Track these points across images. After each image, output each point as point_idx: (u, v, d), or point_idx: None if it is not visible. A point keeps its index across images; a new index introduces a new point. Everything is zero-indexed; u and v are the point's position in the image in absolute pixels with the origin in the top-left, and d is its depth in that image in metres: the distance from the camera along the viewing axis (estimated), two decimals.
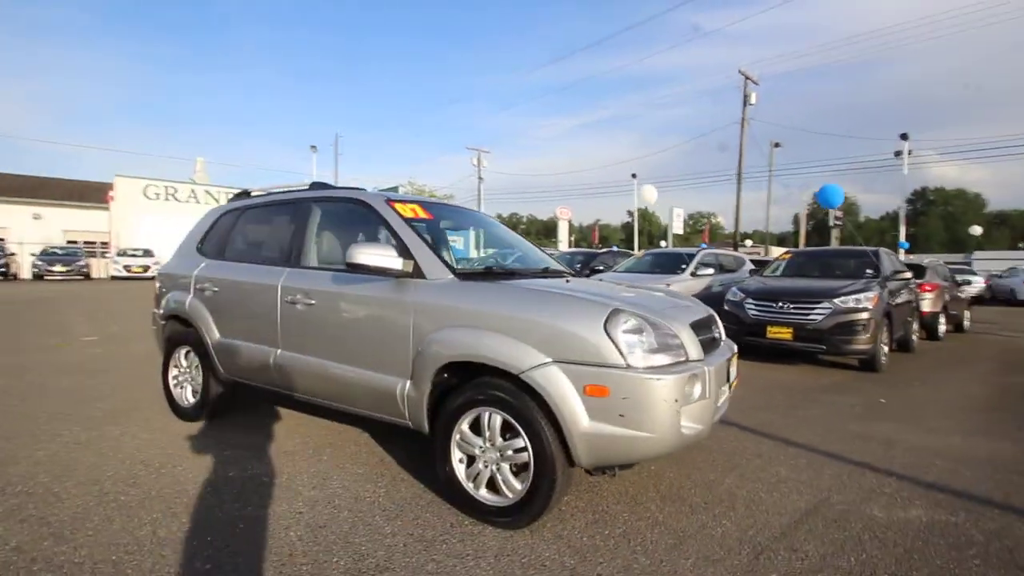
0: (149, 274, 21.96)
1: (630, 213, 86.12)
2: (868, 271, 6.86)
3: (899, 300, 6.91)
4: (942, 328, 9.16)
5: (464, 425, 2.44)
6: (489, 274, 2.84)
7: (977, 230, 37.02)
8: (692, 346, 2.33)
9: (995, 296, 18.92)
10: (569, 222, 44.15)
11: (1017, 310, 16.24)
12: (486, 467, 2.39)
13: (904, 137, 22.72)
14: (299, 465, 3.02)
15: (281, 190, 3.76)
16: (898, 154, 29.27)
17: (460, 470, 2.46)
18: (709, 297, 7.57)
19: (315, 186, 3.54)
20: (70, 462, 2.99)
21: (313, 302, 2.97)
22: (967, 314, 10.80)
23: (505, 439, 2.34)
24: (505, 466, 2.33)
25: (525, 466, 2.29)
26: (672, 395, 2.11)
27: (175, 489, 2.68)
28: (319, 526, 2.35)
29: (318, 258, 3.23)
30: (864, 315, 5.92)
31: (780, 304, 6.26)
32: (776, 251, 22.89)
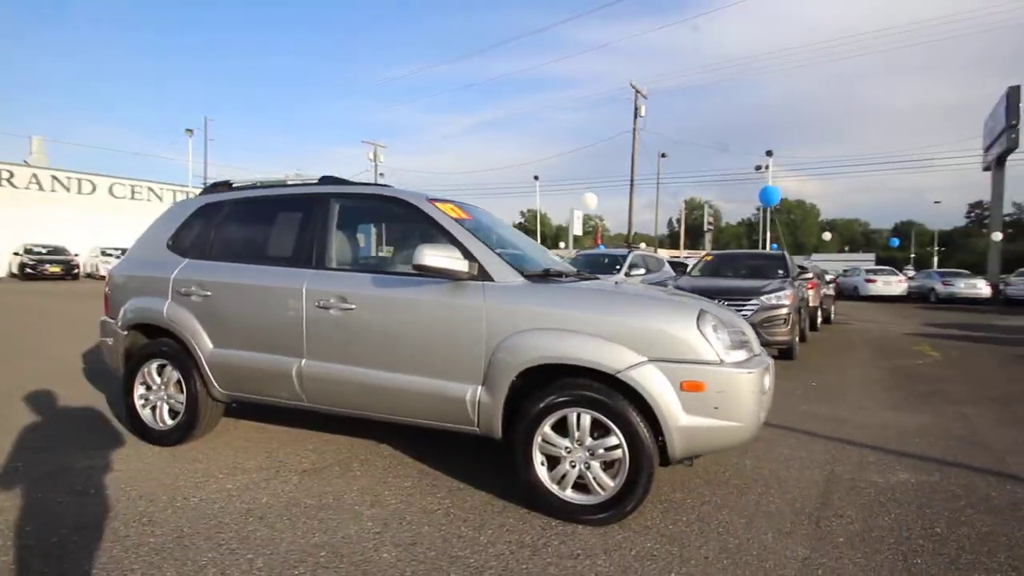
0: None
1: (523, 213, 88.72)
2: (779, 271, 7.86)
3: (801, 296, 8.02)
4: (819, 320, 10.76)
5: (547, 427, 2.45)
6: (548, 276, 2.85)
7: (827, 236, 43.38)
8: (755, 341, 2.57)
9: (841, 292, 22.56)
10: None
11: (861, 304, 19.45)
12: (573, 467, 2.42)
13: (769, 153, 26.07)
14: (335, 484, 2.79)
15: (276, 183, 3.42)
16: (758, 168, 33.51)
17: (543, 473, 2.46)
18: None
19: (326, 180, 3.26)
20: (59, 512, 2.47)
21: (353, 306, 2.76)
22: (833, 308, 12.78)
23: (595, 438, 2.39)
24: (595, 464, 2.39)
25: (614, 463, 2.37)
26: (758, 387, 2.32)
27: (212, 523, 2.35)
28: (409, 544, 2.21)
29: (347, 259, 3.00)
30: (784, 310, 6.79)
31: (716, 301, 6.92)
32: (662, 252, 25.09)
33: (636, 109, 30.44)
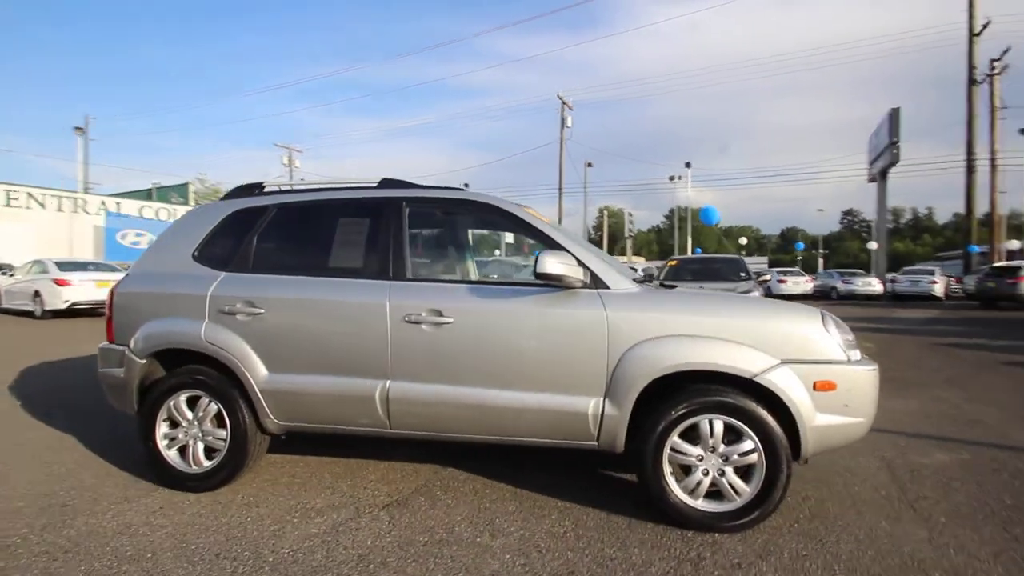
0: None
1: None
2: (741, 273, 8.42)
3: (764, 295, 8.65)
4: None
5: (676, 436, 2.40)
6: (648, 281, 2.80)
7: (743, 240, 46.78)
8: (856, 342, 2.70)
9: None
10: None
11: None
12: (706, 475, 2.39)
13: (688, 165, 27.91)
14: (434, 517, 2.54)
15: (323, 186, 3.09)
16: (672, 178, 35.76)
17: (674, 483, 2.41)
18: None
19: (386, 183, 3.00)
20: None
21: (450, 320, 2.54)
22: None
23: (727, 444, 2.37)
24: (729, 470, 2.37)
25: (749, 468, 2.37)
26: (878, 383, 2.43)
27: None
28: (568, 574, 2.06)
29: (431, 269, 2.76)
30: None
31: None
32: None
33: (563, 120, 31.40)
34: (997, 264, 17.40)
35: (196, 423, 2.82)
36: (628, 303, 2.47)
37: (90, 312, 13.05)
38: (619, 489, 2.89)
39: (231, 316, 2.77)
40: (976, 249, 21.05)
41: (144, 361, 2.85)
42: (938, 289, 19.56)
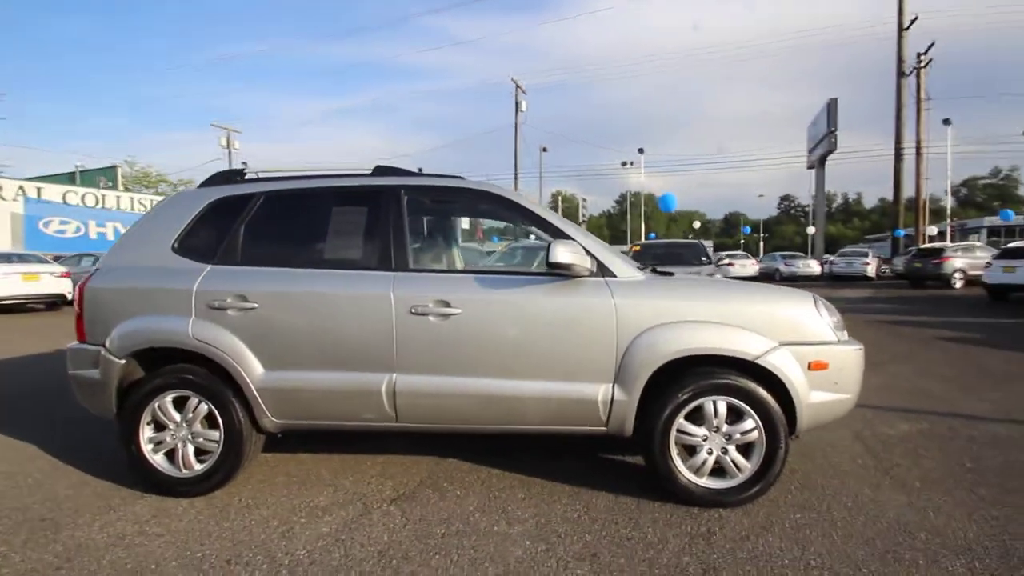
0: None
1: None
2: (703, 258, 8.72)
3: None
4: None
5: (681, 418, 2.49)
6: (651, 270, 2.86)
7: (697, 225, 48.09)
8: None
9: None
10: None
11: None
12: (711, 454, 2.49)
13: (641, 151, 28.46)
14: (446, 508, 2.54)
15: (311, 173, 2.96)
16: (624, 163, 36.37)
17: (679, 463, 2.50)
18: None
19: (381, 171, 2.91)
20: None
21: (459, 311, 2.52)
22: None
23: (729, 423, 2.48)
24: (732, 448, 2.49)
25: (749, 446, 2.49)
26: (863, 362, 2.60)
27: None
28: (592, 556, 2.11)
29: (432, 259, 2.71)
30: None
31: None
32: None
33: (517, 104, 31.27)
34: (924, 246, 18.85)
35: (185, 425, 2.67)
36: (635, 291, 2.52)
37: (18, 308, 12.08)
38: (621, 471, 2.97)
39: (221, 312, 2.63)
40: (902, 233, 22.70)
41: (123, 361, 2.66)
42: (871, 270, 21.00)
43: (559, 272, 2.50)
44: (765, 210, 79.29)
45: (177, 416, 2.67)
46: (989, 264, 11.57)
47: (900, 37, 21.09)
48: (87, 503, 2.62)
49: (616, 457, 3.15)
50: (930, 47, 20.84)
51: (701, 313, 2.48)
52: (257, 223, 2.80)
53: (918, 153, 21.59)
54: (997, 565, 2.02)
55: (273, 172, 3.01)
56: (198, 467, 2.68)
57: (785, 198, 77.85)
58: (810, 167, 24.57)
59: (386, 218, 2.70)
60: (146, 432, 2.68)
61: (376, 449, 3.26)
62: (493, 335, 2.53)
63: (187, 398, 2.67)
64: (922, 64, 20.94)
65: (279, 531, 2.34)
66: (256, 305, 2.61)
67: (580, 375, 2.50)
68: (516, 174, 31.93)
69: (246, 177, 2.97)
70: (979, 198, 54.89)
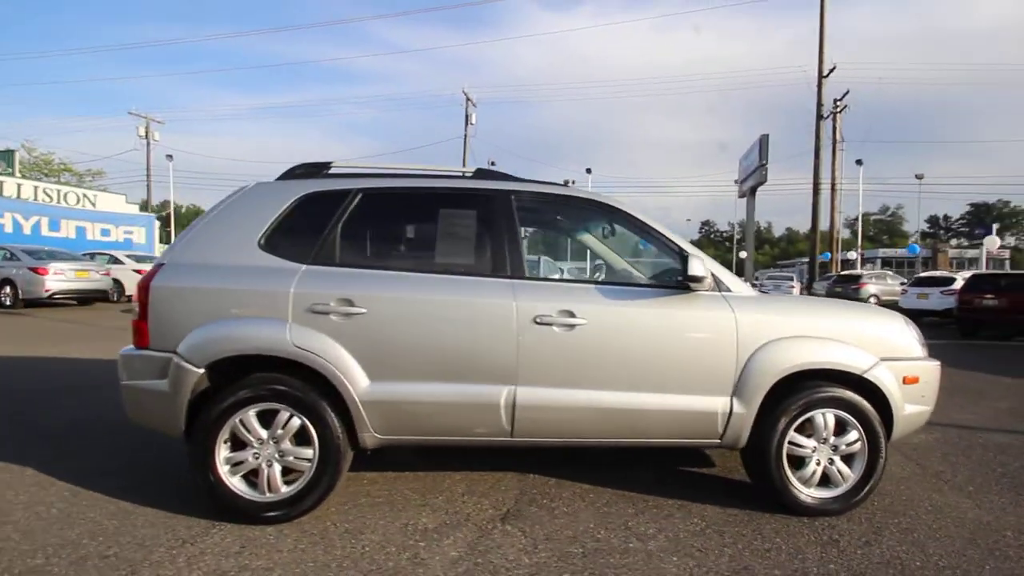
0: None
1: None
2: None
3: None
4: None
5: (793, 430, 2.57)
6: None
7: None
8: None
9: None
10: None
11: None
12: (819, 465, 2.59)
13: (588, 171, 29.34)
14: (566, 525, 2.46)
15: (405, 171, 2.81)
16: (566, 182, 37.37)
17: (790, 474, 2.58)
18: None
19: (483, 174, 2.81)
20: None
21: (584, 322, 2.46)
22: None
23: (836, 435, 2.60)
24: (837, 459, 2.60)
25: (852, 456, 2.62)
26: (940, 376, 2.83)
27: None
28: (742, 569, 2.12)
29: (548, 268, 2.62)
30: None
31: None
32: None
33: (467, 116, 31.30)
34: (844, 272, 20.90)
35: (271, 442, 2.39)
36: (751, 306, 2.59)
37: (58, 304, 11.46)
38: (703, 481, 3.01)
39: (323, 317, 2.40)
40: (828, 256, 25.04)
41: (202, 371, 2.35)
42: (795, 292, 22.97)
43: (678, 285, 2.53)
44: (688, 234, 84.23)
45: (263, 433, 2.39)
46: (905, 291, 13.04)
47: (820, 84, 23.46)
48: (147, 535, 2.27)
49: (686, 468, 3.20)
50: (845, 95, 23.37)
51: (813, 329, 2.60)
52: (356, 222, 2.59)
53: (832, 188, 24.00)
54: None
55: (361, 168, 2.81)
56: (285, 489, 2.40)
57: (706, 223, 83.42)
58: (741, 196, 26.51)
59: (499, 223, 2.60)
60: (222, 453, 2.37)
61: (443, 466, 3.09)
62: (617, 347, 2.50)
63: (275, 412, 2.39)
64: (838, 109, 23.38)
65: (405, 557, 2.15)
66: (364, 310, 2.41)
67: (701, 388, 2.53)
68: None
69: (331, 172, 2.76)
70: (871, 232, 61.79)
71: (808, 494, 2.58)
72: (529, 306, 2.46)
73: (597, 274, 3.18)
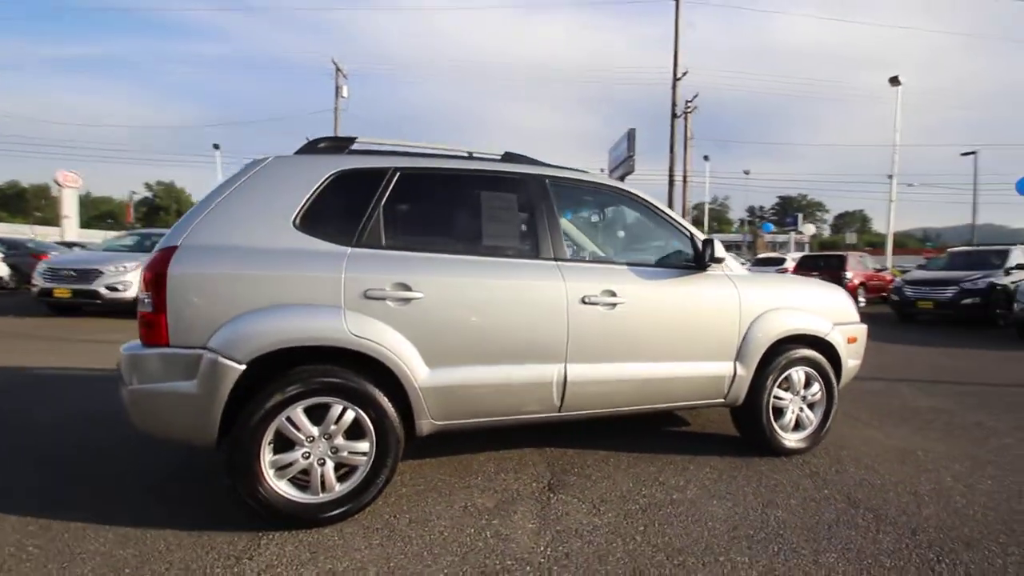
0: None
1: (149, 186, 71.74)
2: None
3: None
4: None
5: (776, 387, 3.07)
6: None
7: None
8: None
9: None
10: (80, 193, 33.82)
11: None
12: (794, 413, 3.12)
13: (470, 155, 29.30)
14: (615, 488, 2.66)
15: (436, 151, 2.73)
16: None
17: (775, 423, 3.07)
18: None
19: (511, 157, 2.83)
20: None
21: (623, 301, 2.66)
22: None
23: (805, 387, 3.15)
24: (805, 407, 3.16)
25: (814, 404, 3.19)
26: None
27: None
28: (802, 510, 2.52)
29: (585, 250, 2.75)
30: None
31: None
32: None
33: (337, 88, 29.24)
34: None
35: (323, 439, 2.22)
36: (748, 282, 3.01)
37: None
38: (689, 437, 3.42)
39: (379, 303, 2.27)
40: None
41: (243, 367, 2.09)
42: None
43: (695, 265, 2.85)
44: None
45: (314, 429, 2.21)
46: (749, 270, 15.39)
47: (674, 86, 26.20)
48: (184, 559, 1.99)
49: (669, 428, 3.60)
50: (695, 97, 26.44)
51: (790, 301, 3.10)
52: (398, 202, 2.47)
53: (684, 180, 27.13)
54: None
55: (386, 144, 2.66)
56: (339, 487, 2.26)
57: None
58: None
59: (539, 207, 2.67)
60: (267, 456, 2.15)
61: (457, 449, 3.10)
62: (651, 322, 2.74)
63: (326, 406, 2.22)
64: (689, 109, 26.38)
65: (488, 535, 2.19)
66: (421, 295, 2.32)
67: (715, 355, 2.89)
68: None
69: (353, 149, 2.57)
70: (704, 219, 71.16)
71: (788, 438, 3.10)
72: (576, 287, 2.58)
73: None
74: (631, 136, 23.68)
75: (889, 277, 14.39)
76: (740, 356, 2.94)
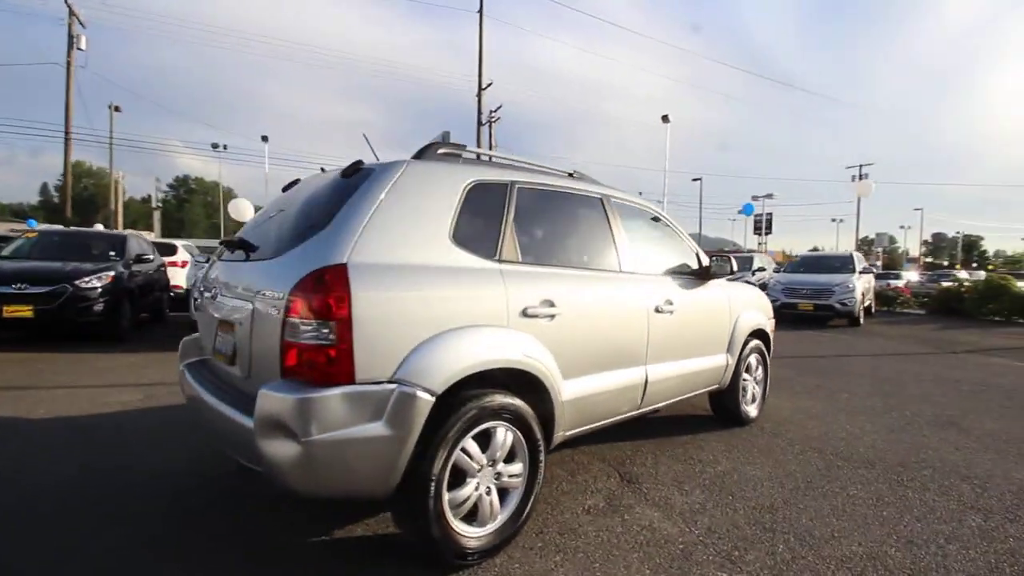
0: None
1: None
2: None
3: None
4: None
5: (745, 371, 3.89)
6: None
7: None
8: None
9: None
10: None
11: None
12: (754, 390, 4.00)
13: (265, 139, 25.93)
14: (682, 471, 3.06)
15: (528, 164, 2.78)
16: (216, 146, 32.30)
17: (742, 399, 3.89)
18: None
19: (577, 177, 3.00)
20: None
21: (676, 308, 3.10)
22: None
23: (756, 364, 4.04)
24: (756, 384, 4.06)
25: (759, 381, 4.13)
26: None
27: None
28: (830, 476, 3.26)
29: (633, 263, 3.04)
30: None
31: None
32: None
33: (71, 38, 22.89)
34: None
35: (489, 465, 2.12)
36: (730, 287, 3.74)
37: None
38: (668, 421, 4.05)
39: (531, 320, 2.25)
40: None
41: (435, 399, 1.87)
42: None
43: (704, 275, 3.44)
44: None
45: (483, 458, 2.09)
46: None
47: (480, 95, 27.72)
48: None
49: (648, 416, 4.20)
50: (498, 108, 28.43)
51: (749, 302, 3.95)
52: (519, 216, 2.43)
53: None
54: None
55: (486, 153, 2.61)
56: (502, 515, 2.17)
57: None
58: None
59: (613, 225, 2.91)
60: (446, 495, 1.97)
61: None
62: (691, 324, 3.24)
63: (489, 432, 2.12)
64: (493, 119, 28.24)
65: (637, 530, 2.38)
66: (559, 311, 2.37)
67: (720, 348, 3.55)
68: (68, 132, 23.23)
69: (464, 158, 2.46)
70: None
71: (750, 410, 3.97)
72: (651, 297, 2.92)
73: None
74: (445, 139, 24.26)
75: None
76: (730, 348, 3.67)
